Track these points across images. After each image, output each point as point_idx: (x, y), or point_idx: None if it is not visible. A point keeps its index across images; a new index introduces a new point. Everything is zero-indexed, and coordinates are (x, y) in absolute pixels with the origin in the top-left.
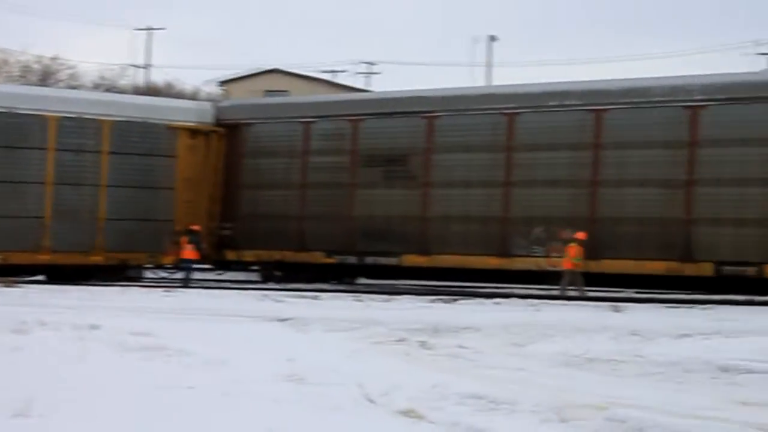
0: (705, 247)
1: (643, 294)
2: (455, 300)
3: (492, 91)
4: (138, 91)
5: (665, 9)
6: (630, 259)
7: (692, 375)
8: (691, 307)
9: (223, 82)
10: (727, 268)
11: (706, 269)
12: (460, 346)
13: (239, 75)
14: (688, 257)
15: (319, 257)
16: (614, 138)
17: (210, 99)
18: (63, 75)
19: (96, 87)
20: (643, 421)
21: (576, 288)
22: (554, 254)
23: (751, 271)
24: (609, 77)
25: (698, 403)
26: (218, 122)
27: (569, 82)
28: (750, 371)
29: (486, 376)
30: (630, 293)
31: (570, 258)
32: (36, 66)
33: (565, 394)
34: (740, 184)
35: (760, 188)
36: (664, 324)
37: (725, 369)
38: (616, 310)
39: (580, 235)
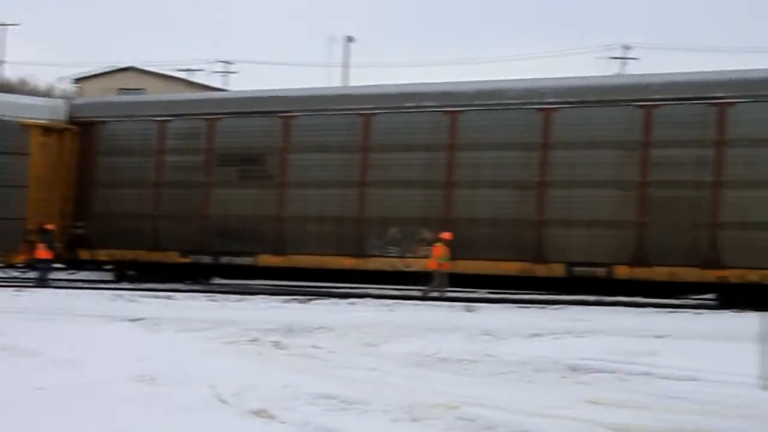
0: (556, 249)
1: (497, 294)
2: (310, 300)
3: (348, 91)
4: None
5: (522, 12)
6: (484, 259)
7: (542, 374)
8: (543, 308)
9: (78, 80)
10: (578, 269)
11: (558, 270)
12: (314, 346)
13: (94, 73)
14: (540, 258)
15: (173, 257)
16: (469, 139)
17: (64, 96)
18: None
19: None
20: (493, 420)
21: (439, 288)
22: (420, 254)
23: (601, 271)
24: (465, 79)
25: (548, 402)
26: (72, 120)
27: (425, 84)
28: (598, 370)
29: (338, 376)
30: (484, 294)
31: (436, 258)
32: None
33: (416, 393)
34: (591, 186)
35: (611, 190)
36: (516, 324)
37: (574, 368)
38: (470, 310)
39: (446, 235)
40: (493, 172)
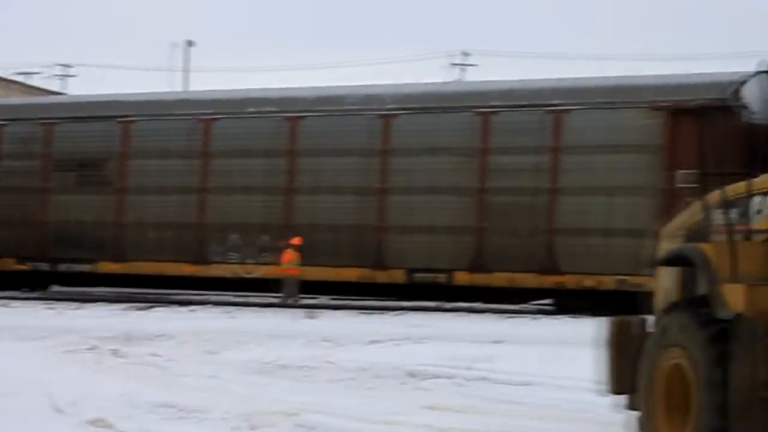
0: (397, 255)
1: (338, 301)
2: (150, 307)
3: (189, 96)
4: None
5: (366, 19)
6: (326, 266)
7: (382, 380)
8: (383, 314)
9: None
10: (419, 275)
11: (398, 276)
12: (153, 354)
13: None
14: (380, 264)
15: (10, 264)
16: (309, 145)
17: None
18: None
19: None
20: (332, 427)
21: (289, 294)
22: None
23: (441, 277)
24: (307, 85)
25: (387, 409)
26: None
27: (266, 89)
28: (437, 376)
29: (178, 384)
30: (326, 300)
31: (284, 263)
32: None
33: (256, 401)
34: (431, 192)
35: (450, 196)
36: (356, 330)
37: (413, 374)
38: (311, 317)
39: (296, 240)
40: (333, 179)
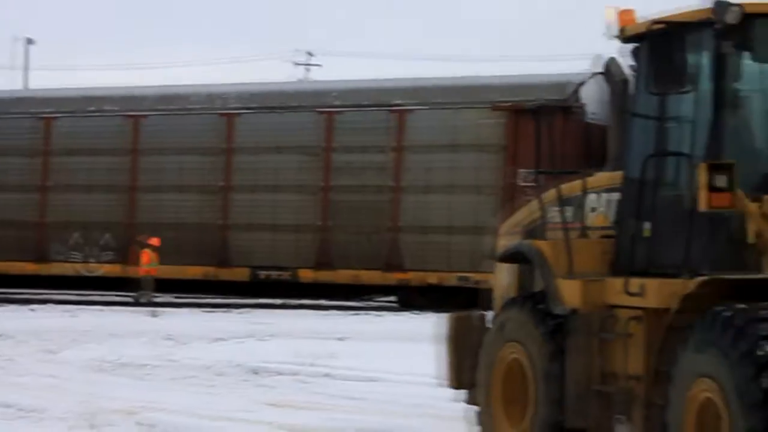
0: (241, 253)
1: (182, 299)
2: None
3: (28, 94)
4: None
5: (215, 17)
6: (170, 264)
7: (224, 378)
8: (228, 312)
9: None
10: (263, 273)
11: (243, 274)
12: None
13: None
14: (225, 262)
15: None
16: (152, 144)
17: None
18: None
19: None
20: (172, 425)
21: (144, 294)
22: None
23: (286, 275)
24: (149, 83)
25: (229, 406)
26: None
27: (108, 88)
28: (280, 373)
29: (16, 384)
30: (170, 298)
31: (143, 264)
32: None
33: (96, 400)
34: (275, 191)
35: (294, 195)
36: (200, 328)
37: (256, 371)
38: (154, 315)
39: (154, 241)
40: (176, 177)
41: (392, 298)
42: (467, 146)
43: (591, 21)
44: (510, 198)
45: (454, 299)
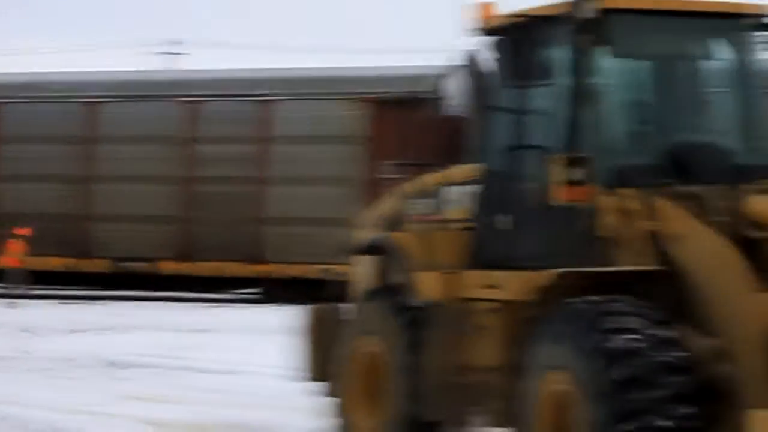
0: (102, 244)
1: (40, 290)
2: None
3: None
4: None
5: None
6: (32, 255)
7: (82, 370)
8: (88, 303)
9: None
10: (124, 264)
11: (103, 265)
12: None
13: None
14: (86, 254)
15: None
16: (12, 132)
17: None
18: None
19: None
20: (28, 419)
21: (18, 285)
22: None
23: (146, 266)
24: (9, 71)
25: (87, 399)
26: None
27: None
28: (140, 365)
29: None
30: (27, 290)
31: (13, 254)
32: None
33: None
34: (137, 181)
35: (156, 185)
36: (58, 320)
37: (116, 364)
38: (11, 306)
39: (23, 231)
40: (38, 166)
41: (256, 290)
42: (332, 138)
43: (454, 14)
44: (373, 190)
45: (317, 292)
